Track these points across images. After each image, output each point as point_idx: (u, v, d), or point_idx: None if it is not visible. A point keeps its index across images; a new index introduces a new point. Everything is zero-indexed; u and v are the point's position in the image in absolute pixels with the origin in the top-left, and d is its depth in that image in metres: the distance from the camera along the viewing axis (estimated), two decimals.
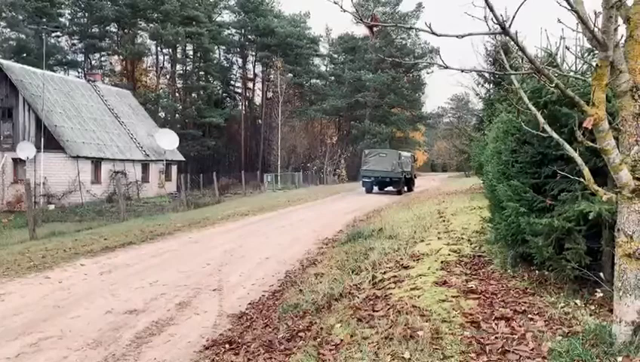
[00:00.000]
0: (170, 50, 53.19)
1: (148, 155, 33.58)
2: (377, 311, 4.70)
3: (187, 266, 8.73)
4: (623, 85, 3.07)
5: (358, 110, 56.33)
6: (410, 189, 29.40)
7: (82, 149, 28.17)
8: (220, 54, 59.49)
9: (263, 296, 6.80)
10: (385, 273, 6.26)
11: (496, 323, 3.87)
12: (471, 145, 19.29)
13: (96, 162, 29.25)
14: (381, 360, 3.61)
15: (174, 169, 37.19)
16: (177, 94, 53.36)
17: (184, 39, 49.98)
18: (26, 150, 25.97)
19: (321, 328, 4.70)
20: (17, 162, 27.06)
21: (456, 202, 14.76)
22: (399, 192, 27.24)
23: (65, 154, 27.12)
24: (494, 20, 2.88)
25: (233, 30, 59.54)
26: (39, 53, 35.94)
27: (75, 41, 52.33)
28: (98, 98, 34.00)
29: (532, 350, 3.35)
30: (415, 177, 32.39)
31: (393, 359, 3.57)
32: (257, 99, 63.70)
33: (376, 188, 28.50)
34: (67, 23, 50.75)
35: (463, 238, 7.95)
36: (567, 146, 3.47)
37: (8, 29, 46.34)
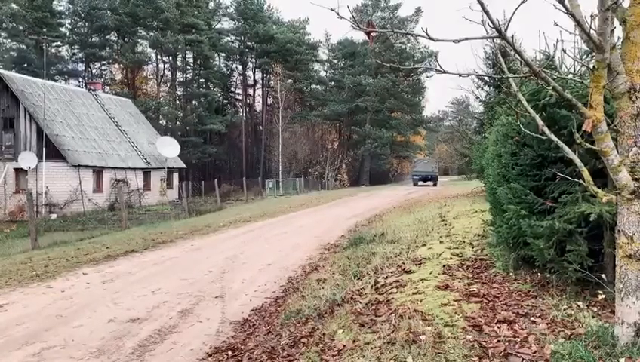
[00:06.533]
0: (171, 58, 53.36)
1: (149, 163, 33.64)
2: (380, 316, 4.69)
3: (189, 273, 8.73)
4: (620, 87, 3.08)
5: (359, 115, 56.40)
6: (435, 184, 43.24)
7: (83, 158, 28.24)
8: (219, 61, 59.66)
9: (265, 302, 6.80)
10: (387, 278, 6.25)
11: (498, 327, 3.86)
12: (472, 148, 19.27)
13: (98, 171, 29.32)
14: None
15: (176, 176, 37.24)
16: (178, 102, 53.47)
17: (184, 47, 50.16)
18: (27, 160, 26.04)
19: (324, 334, 4.70)
20: (19, 172, 27.14)
21: (458, 205, 14.76)
22: (434, 185, 42.62)
23: (66, 164, 27.20)
24: (490, 24, 2.90)
25: (233, 37, 59.73)
26: (40, 63, 36.11)
27: (76, 51, 52.62)
28: (99, 107, 34.11)
29: (535, 353, 3.34)
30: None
31: None
32: (258, 106, 63.92)
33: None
34: (67, 33, 50.99)
35: (464, 242, 7.95)
36: (566, 148, 3.48)
37: (9, 40, 46.58)
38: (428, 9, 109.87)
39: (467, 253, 6.95)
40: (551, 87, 3.22)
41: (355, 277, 6.81)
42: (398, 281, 5.90)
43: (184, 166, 38.24)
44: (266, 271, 8.88)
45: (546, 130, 3.57)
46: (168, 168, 35.04)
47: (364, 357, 3.79)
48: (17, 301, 7.18)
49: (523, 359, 3.29)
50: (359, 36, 58.55)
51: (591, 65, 3.35)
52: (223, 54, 59.19)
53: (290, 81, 56.02)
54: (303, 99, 60.33)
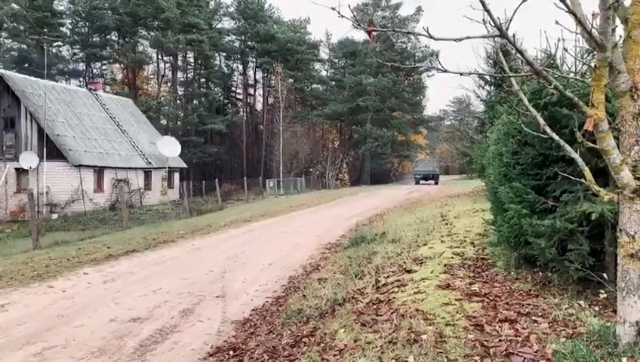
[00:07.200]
0: (171, 58, 53.40)
1: (150, 163, 33.65)
2: (381, 316, 4.69)
3: (190, 273, 8.73)
4: (621, 85, 3.07)
5: (360, 114, 56.39)
6: (437, 182, 44.35)
7: (84, 158, 28.25)
8: (220, 61, 59.71)
9: (266, 302, 6.80)
10: (388, 277, 6.24)
11: (500, 326, 3.85)
12: (473, 147, 19.25)
13: (99, 171, 29.33)
14: None
15: (177, 176, 37.25)
16: (179, 101, 53.51)
17: (185, 47, 50.19)
18: (28, 160, 26.07)
19: (325, 333, 4.70)
20: (20, 172, 27.17)
21: (459, 205, 14.74)
22: (436, 183, 43.72)
23: (67, 164, 27.22)
24: (491, 23, 2.89)
25: (233, 37, 59.78)
26: (41, 63, 36.16)
27: (77, 51, 52.69)
28: (100, 107, 34.12)
29: (536, 352, 3.34)
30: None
31: None
32: (259, 105, 63.96)
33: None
34: (68, 33, 51.03)
35: (466, 241, 7.93)
36: (567, 147, 3.47)
37: (10, 40, 46.64)
38: (428, 8, 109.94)
39: (468, 253, 6.93)
40: (552, 86, 3.21)
41: (356, 277, 6.80)
42: (399, 281, 5.89)
43: (185, 166, 38.25)
44: (266, 270, 8.88)
45: (548, 129, 3.56)
46: (169, 168, 35.05)
47: (365, 356, 3.79)
48: (18, 301, 7.18)
49: (525, 358, 3.29)
50: (360, 35, 58.70)
51: (592, 64, 3.34)
52: (224, 54, 59.23)
53: (290, 80, 56.02)
54: (303, 99, 60.34)
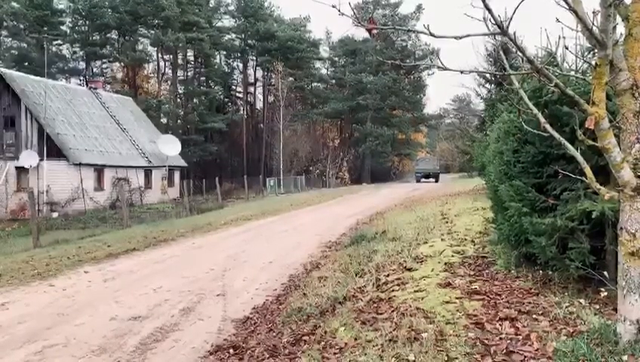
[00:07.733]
0: (171, 57, 53.32)
1: (150, 162, 33.63)
2: (381, 314, 4.69)
3: (191, 272, 8.73)
4: (622, 83, 3.07)
5: (360, 113, 56.28)
6: (437, 180, 44.79)
7: (85, 157, 28.24)
8: (220, 59, 59.58)
9: (266, 300, 6.80)
10: (388, 275, 6.25)
11: (500, 324, 3.86)
12: (473, 145, 19.23)
13: (99, 169, 29.32)
14: None
15: (177, 175, 37.22)
16: (179, 100, 53.41)
17: (185, 45, 50.10)
18: (28, 158, 26.07)
19: (325, 332, 4.70)
20: (20, 171, 27.16)
21: (460, 203, 14.73)
22: (436, 181, 43.99)
23: (67, 162, 27.21)
24: (492, 21, 2.89)
25: (234, 35, 59.60)
26: (41, 62, 36.12)
27: (77, 49, 52.55)
28: (100, 105, 34.09)
29: (537, 350, 3.34)
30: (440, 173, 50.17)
31: (397, 361, 3.56)
32: (259, 104, 63.83)
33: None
34: (68, 31, 50.98)
35: (466, 239, 7.93)
36: (568, 145, 3.46)
37: (10, 39, 46.61)
38: (429, 7, 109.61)
39: (469, 251, 6.94)
40: (553, 84, 3.21)
41: (356, 275, 6.80)
42: (399, 279, 5.90)
43: (185, 164, 38.21)
44: (267, 269, 8.88)
45: (548, 127, 3.55)
46: (169, 166, 35.03)
47: (366, 354, 3.79)
48: (19, 299, 7.19)
49: (525, 356, 3.29)
50: (360, 34, 58.50)
51: (593, 62, 3.34)
52: (224, 52, 59.10)
53: (291, 79, 55.91)
54: (304, 97, 60.26)
